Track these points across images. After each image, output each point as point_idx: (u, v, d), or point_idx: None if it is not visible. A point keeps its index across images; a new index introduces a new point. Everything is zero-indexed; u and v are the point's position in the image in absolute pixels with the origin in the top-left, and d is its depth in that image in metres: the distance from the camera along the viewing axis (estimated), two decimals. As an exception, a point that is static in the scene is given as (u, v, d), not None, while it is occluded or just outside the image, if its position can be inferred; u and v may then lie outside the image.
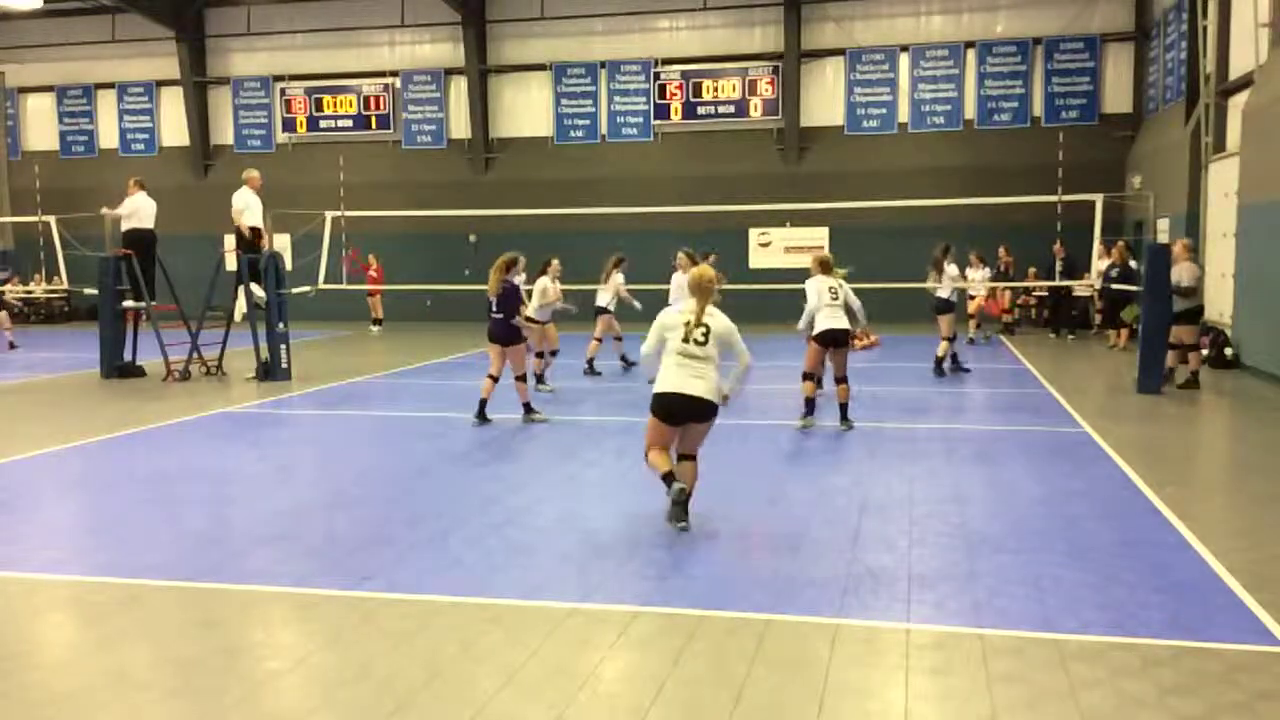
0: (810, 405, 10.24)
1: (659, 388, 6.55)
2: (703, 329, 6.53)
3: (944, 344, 14.24)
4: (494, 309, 10.55)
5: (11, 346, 19.04)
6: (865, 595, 5.23)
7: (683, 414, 6.47)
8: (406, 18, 26.21)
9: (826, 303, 10.03)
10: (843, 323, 10.07)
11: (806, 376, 10.24)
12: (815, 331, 10.12)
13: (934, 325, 14.48)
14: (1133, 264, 17.12)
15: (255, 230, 14.57)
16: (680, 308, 6.80)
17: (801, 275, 11.21)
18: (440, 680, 4.28)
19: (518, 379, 10.69)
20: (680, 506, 6.39)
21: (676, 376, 6.48)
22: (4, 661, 4.55)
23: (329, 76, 26.74)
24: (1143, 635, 4.65)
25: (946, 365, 14.29)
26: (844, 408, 10.17)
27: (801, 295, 10.32)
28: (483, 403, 10.55)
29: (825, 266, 10.29)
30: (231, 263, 15.29)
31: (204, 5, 26.99)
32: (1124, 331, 17.63)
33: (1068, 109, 23.41)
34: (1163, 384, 12.29)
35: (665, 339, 6.61)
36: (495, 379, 10.65)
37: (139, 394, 13.21)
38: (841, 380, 10.20)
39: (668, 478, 6.40)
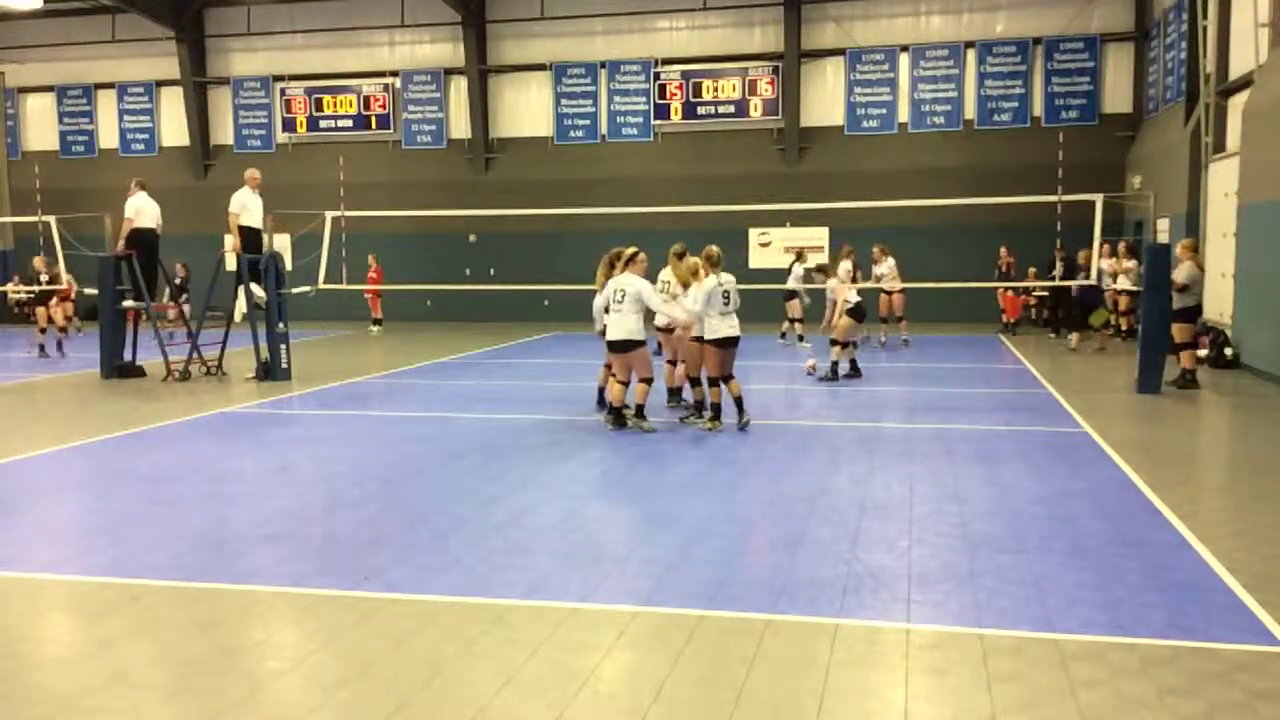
0: (717, 410, 10.13)
1: (607, 335, 10.01)
2: (621, 294, 9.83)
3: (842, 349, 13.79)
4: None
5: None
6: (865, 595, 5.23)
7: (618, 349, 9.93)
8: (406, 18, 26.20)
9: (721, 310, 9.92)
10: (738, 328, 10.10)
11: (714, 381, 10.12)
12: (717, 337, 9.93)
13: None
14: (1104, 264, 17.07)
15: (254, 231, 14.55)
16: (614, 279, 9.96)
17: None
18: (440, 680, 4.28)
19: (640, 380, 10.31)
20: (620, 423, 9.98)
21: (613, 326, 9.92)
22: (4, 661, 4.55)
23: (329, 76, 26.73)
24: (1143, 635, 4.65)
25: (842, 369, 13.70)
26: (739, 401, 10.08)
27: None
28: (638, 407, 10.15)
29: (717, 263, 10.11)
30: (231, 263, 15.29)
31: (204, 5, 26.96)
32: (1075, 335, 17.49)
33: (1068, 109, 23.39)
34: (1184, 384, 12.36)
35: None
36: (625, 383, 10.27)
37: (139, 394, 13.20)
38: (730, 377, 10.16)
39: (617, 410, 10.02)
